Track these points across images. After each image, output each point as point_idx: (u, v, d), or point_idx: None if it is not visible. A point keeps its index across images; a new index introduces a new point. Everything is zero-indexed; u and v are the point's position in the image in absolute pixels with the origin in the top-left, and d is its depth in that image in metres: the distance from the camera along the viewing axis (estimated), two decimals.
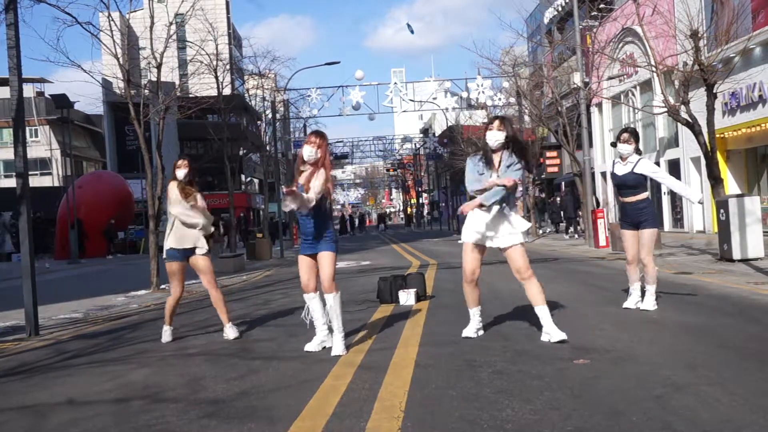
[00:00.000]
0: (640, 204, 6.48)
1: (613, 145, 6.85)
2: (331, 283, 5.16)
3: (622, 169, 6.52)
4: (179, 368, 5.06)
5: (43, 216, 28.67)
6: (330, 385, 4.17)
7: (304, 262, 5.32)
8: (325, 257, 5.19)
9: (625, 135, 6.53)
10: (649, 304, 6.43)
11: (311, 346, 5.29)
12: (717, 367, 4.10)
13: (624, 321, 5.97)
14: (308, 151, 5.20)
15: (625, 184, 6.51)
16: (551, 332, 5.07)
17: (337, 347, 5.13)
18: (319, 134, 5.33)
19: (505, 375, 4.17)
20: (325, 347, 5.25)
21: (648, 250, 6.47)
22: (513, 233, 5.18)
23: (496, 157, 5.20)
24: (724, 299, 7.06)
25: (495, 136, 5.16)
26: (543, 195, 31.99)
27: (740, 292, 7.53)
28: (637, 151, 6.57)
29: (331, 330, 5.28)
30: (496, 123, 5.22)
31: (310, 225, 5.21)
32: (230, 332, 6.20)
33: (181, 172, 6.30)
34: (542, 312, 5.17)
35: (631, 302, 6.61)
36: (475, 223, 5.20)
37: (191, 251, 6.17)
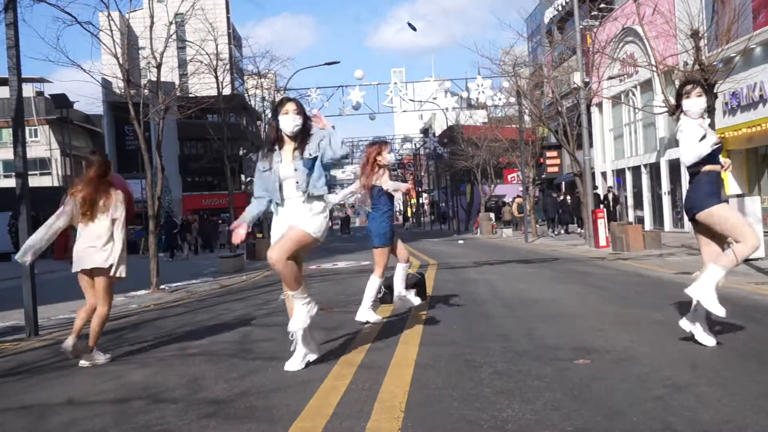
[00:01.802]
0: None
1: (672, 113, 5.13)
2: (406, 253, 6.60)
3: (711, 134, 4.78)
4: (179, 368, 5.06)
5: (38, 216, 28.61)
6: (330, 385, 4.17)
7: (387, 251, 6.41)
8: (399, 242, 6.61)
9: (694, 87, 4.78)
10: (706, 337, 4.75)
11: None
12: (717, 367, 4.09)
13: (624, 321, 5.97)
14: (392, 158, 6.49)
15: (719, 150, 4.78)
16: None
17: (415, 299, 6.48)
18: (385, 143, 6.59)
19: (506, 375, 4.17)
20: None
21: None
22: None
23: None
24: (724, 299, 6.99)
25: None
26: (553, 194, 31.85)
27: (740, 292, 7.52)
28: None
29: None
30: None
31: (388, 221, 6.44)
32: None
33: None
34: None
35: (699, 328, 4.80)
36: None
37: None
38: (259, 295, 10.13)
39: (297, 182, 4.57)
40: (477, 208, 35.38)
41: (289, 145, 4.67)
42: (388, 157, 6.43)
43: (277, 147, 4.68)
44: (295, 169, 4.57)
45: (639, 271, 10.81)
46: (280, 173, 4.61)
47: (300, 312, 4.61)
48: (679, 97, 4.82)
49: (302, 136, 4.65)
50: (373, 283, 6.32)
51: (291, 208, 4.62)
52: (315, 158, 4.60)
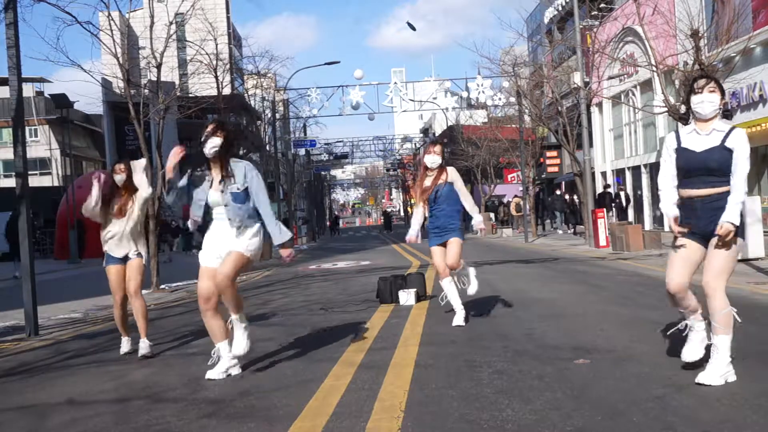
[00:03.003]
0: (721, 200, 3.77)
1: (686, 110, 4.36)
2: (457, 263, 6.27)
3: (701, 142, 3.84)
4: (179, 368, 5.06)
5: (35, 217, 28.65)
6: (330, 385, 4.17)
7: (437, 251, 6.34)
8: (454, 242, 6.24)
9: (705, 81, 3.87)
10: (717, 374, 3.70)
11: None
12: None
13: (624, 321, 5.97)
14: (434, 160, 6.27)
15: (706, 167, 3.79)
16: None
17: (458, 318, 6.21)
18: (441, 144, 6.48)
19: (506, 375, 4.17)
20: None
21: (721, 274, 3.79)
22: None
23: None
24: None
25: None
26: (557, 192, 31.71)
27: (740, 292, 7.52)
28: (726, 114, 3.96)
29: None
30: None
31: (442, 218, 6.26)
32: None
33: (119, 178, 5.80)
34: None
35: (694, 352, 3.94)
36: None
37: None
38: (258, 295, 10.14)
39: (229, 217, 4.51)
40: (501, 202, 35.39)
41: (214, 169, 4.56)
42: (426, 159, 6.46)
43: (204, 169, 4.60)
44: (226, 205, 4.51)
45: (639, 271, 10.80)
46: (208, 198, 4.55)
47: (240, 337, 4.61)
48: (688, 93, 3.97)
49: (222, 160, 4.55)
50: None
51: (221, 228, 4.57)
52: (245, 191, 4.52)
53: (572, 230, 25.73)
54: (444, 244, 6.30)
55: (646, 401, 3.47)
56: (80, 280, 16.28)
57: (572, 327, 5.76)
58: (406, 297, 7.91)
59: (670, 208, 3.92)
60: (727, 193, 3.76)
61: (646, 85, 22.95)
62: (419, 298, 8.05)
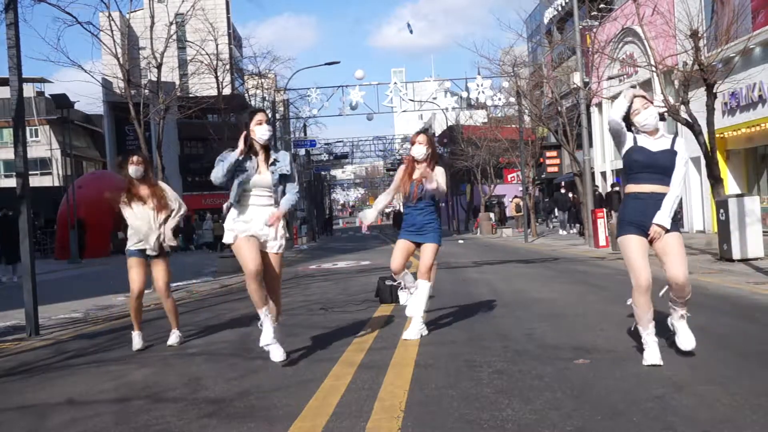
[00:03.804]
0: (662, 198, 4.29)
1: (662, 118, 4.84)
2: (428, 272, 5.69)
3: (654, 144, 4.34)
4: (179, 368, 5.06)
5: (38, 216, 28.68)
6: (330, 385, 4.17)
7: (402, 244, 5.79)
8: (430, 248, 5.70)
9: (639, 101, 4.38)
10: (688, 338, 4.37)
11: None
12: (717, 367, 4.10)
13: (624, 321, 5.96)
14: (420, 150, 5.74)
15: (657, 165, 4.29)
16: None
17: (412, 332, 5.58)
18: (424, 133, 5.92)
19: (505, 375, 4.18)
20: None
21: (685, 261, 4.31)
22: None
23: None
24: (723, 299, 7.06)
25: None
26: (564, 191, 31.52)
27: (740, 292, 7.52)
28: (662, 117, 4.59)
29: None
30: None
31: (420, 217, 5.71)
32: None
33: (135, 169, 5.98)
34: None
35: (654, 356, 4.24)
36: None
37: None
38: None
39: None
40: (477, 208, 35.37)
41: (262, 154, 4.87)
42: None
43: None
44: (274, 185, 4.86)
45: None
46: (252, 180, 4.79)
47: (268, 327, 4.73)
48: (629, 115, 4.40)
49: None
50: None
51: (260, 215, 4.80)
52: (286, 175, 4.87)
53: (578, 230, 25.66)
54: (416, 244, 5.80)
55: (646, 401, 3.47)
56: (81, 280, 16.29)
57: (572, 327, 5.77)
58: (406, 297, 7.89)
59: (621, 100, 4.38)
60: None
61: (646, 86, 22.90)
62: None
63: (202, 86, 22.75)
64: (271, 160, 4.82)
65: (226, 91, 23.98)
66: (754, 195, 12.69)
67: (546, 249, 18.10)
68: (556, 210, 29.86)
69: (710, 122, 11.79)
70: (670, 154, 4.30)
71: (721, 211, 11.02)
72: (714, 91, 11.74)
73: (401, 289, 6.18)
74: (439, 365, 4.55)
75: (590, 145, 20.01)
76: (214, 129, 24.35)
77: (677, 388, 3.68)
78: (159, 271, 5.96)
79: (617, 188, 23.06)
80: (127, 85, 12.58)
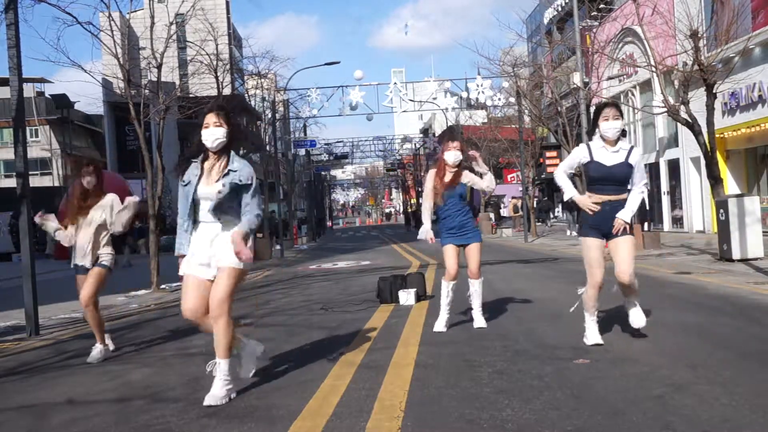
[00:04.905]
0: (620, 205, 4.80)
1: (590, 133, 5.08)
2: (479, 270, 5.97)
3: (610, 158, 4.77)
4: (179, 368, 5.06)
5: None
6: (330, 385, 4.17)
7: (451, 250, 5.99)
8: (475, 248, 5.94)
9: (612, 110, 4.78)
10: (639, 317, 5.02)
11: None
12: (717, 367, 4.10)
13: (624, 321, 5.96)
14: (456, 156, 5.85)
15: (613, 178, 4.77)
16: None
17: (479, 321, 5.94)
18: (458, 140, 5.95)
19: (505, 375, 4.18)
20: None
21: (632, 262, 4.91)
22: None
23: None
24: (723, 299, 7.07)
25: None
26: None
27: (740, 292, 7.53)
28: (623, 133, 4.86)
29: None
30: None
31: (459, 217, 5.93)
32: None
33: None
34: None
35: (595, 337, 4.90)
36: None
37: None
38: (259, 295, 10.14)
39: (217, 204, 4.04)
40: (477, 208, 35.39)
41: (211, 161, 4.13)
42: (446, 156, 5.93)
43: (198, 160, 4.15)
44: (219, 191, 4.03)
45: (638, 271, 10.78)
46: (199, 193, 4.07)
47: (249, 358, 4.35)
48: (596, 118, 4.87)
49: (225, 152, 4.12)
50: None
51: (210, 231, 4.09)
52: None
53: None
54: (461, 246, 5.96)
55: (645, 401, 3.47)
56: None
57: (572, 327, 5.76)
58: (406, 297, 7.91)
59: (577, 193, 4.95)
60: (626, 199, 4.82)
61: (646, 86, 22.95)
62: (419, 298, 8.06)
63: (202, 86, 22.74)
64: (226, 171, 4.05)
65: (226, 91, 23.97)
66: (754, 195, 12.69)
67: (546, 249, 18.09)
68: (556, 210, 29.78)
69: (710, 122, 11.79)
70: (626, 167, 4.77)
71: (721, 211, 11.03)
72: (714, 91, 11.74)
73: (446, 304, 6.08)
74: (439, 365, 4.56)
75: None
76: None
77: (677, 388, 3.69)
78: (87, 282, 5.56)
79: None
80: (127, 85, 12.58)
